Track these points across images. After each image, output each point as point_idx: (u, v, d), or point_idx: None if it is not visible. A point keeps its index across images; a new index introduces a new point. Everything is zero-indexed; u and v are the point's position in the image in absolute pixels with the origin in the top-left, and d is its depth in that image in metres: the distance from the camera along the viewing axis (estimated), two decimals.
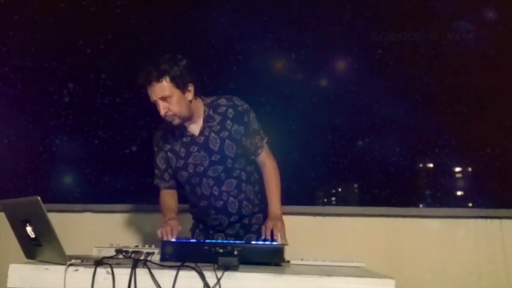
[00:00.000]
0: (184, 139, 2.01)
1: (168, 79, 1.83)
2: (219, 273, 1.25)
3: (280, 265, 1.51)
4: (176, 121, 1.91)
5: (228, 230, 2.03)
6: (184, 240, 1.76)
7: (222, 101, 2.02)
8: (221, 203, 1.99)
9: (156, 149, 2.10)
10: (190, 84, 1.89)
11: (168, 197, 2.11)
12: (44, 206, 1.32)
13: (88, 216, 3.15)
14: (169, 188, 2.11)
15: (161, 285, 1.27)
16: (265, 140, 2.07)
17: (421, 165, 60.65)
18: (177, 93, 1.85)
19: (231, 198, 1.99)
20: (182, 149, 2.01)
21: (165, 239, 1.76)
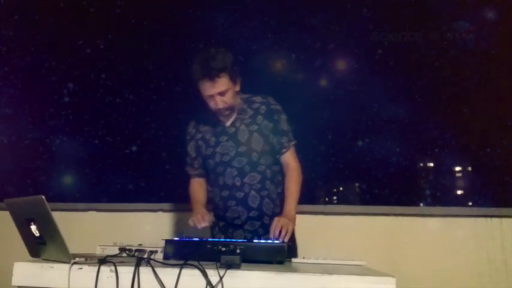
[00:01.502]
0: (216, 129, 2.08)
1: (226, 75, 1.92)
2: (222, 272, 1.26)
3: (282, 263, 1.52)
4: (228, 113, 2.01)
5: (247, 225, 2.02)
6: (187, 239, 1.77)
7: (257, 98, 2.10)
8: (242, 194, 2.01)
9: (188, 138, 2.16)
10: (239, 78, 1.99)
11: (197, 188, 2.14)
12: (49, 205, 1.33)
13: (92, 215, 3.18)
14: (198, 176, 2.16)
15: (164, 283, 1.28)
16: (292, 143, 2.10)
17: (421, 164, 60.56)
18: (232, 87, 1.96)
19: (253, 192, 2.01)
20: (212, 138, 2.08)
21: (198, 226, 1.83)
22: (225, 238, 2.04)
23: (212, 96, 1.94)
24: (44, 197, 1.33)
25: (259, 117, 2.06)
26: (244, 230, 2.03)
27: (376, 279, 1.24)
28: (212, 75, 1.89)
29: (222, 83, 1.92)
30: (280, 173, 2.11)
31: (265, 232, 2.02)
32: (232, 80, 1.95)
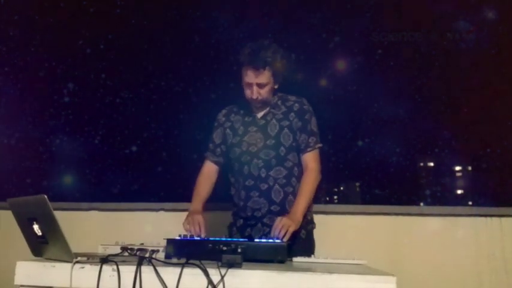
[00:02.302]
0: (246, 119, 2.11)
1: (271, 70, 1.96)
2: (223, 271, 1.27)
3: (283, 262, 1.52)
4: (260, 105, 2.04)
5: (266, 219, 2.00)
6: (188, 238, 1.77)
7: (292, 97, 2.13)
8: (266, 186, 2.01)
9: (216, 124, 2.19)
10: (281, 77, 2.02)
11: (205, 180, 2.14)
12: (51, 205, 1.33)
13: (94, 215, 3.19)
14: (216, 163, 2.17)
15: (166, 282, 1.28)
16: (318, 145, 2.09)
17: (421, 164, 60.61)
18: (271, 83, 1.99)
19: (277, 186, 2.01)
20: (241, 127, 2.10)
21: (195, 236, 1.81)
22: (242, 237, 2.03)
23: (251, 84, 1.97)
24: (46, 196, 1.33)
25: (292, 114, 2.07)
26: (263, 224, 2.01)
27: (377, 278, 1.24)
28: (258, 66, 1.92)
29: (265, 76, 1.95)
30: None
31: None
32: (274, 76, 1.99)
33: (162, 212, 3.11)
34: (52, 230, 1.38)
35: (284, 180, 2.02)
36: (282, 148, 2.03)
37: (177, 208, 3.04)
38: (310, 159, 2.06)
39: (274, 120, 2.06)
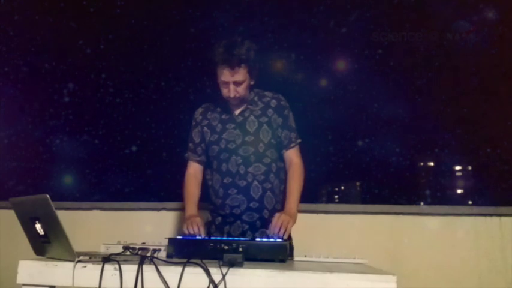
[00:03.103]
0: (224, 116, 2.10)
1: (247, 67, 1.94)
2: (224, 270, 1.27)
3: (284, 261, 1.53)
4: (237, 102, 2.03)
5: (245, 216, 2.01)
6: (190, 237, 1.78)
7: (268, 93, 2.13)
8: (244, 183, 2.01)
9: (194, 123, 2.18)
10: (257, 73, 2.02)
11: (192, 181, 2.13)
12: (53, 204, 1.34)
13: (96, 214, 3.19)
14: (199, 162, 2.16)
15: (167, 281, 1.29)
16: (299, 140, 2.11)
17: (421, 164, 60.58)
18: (248, 79, 1.98)
19: (256, 182, 2.01)
20: (219, 125, 2.09)
21: (196, 236, 1.82)
22: (221, 236, 2.03)
23: (227, 83, 1.96)
24: (48, 196, 1.34)
25: (270, 110, 2.08)
26: (242, 221, 2.01)
27: (377, 277, 1.25)
28: (233, 64, 1.91)
29: (241, 73, 1.94)
30: (284, 170, 2.11)
31: (262, 225, 2.01)
32: (250, 73, 1.98)
33: (163, 212, 3.12)
34: (54, 229, 1.38)
35: (263, 177, 2.02)
36: (261, 144, 2.04)
37: (179, 207, 3.05)
38: (294, 155, 2.08)
39: (252, 117, 2.06)
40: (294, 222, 1.89)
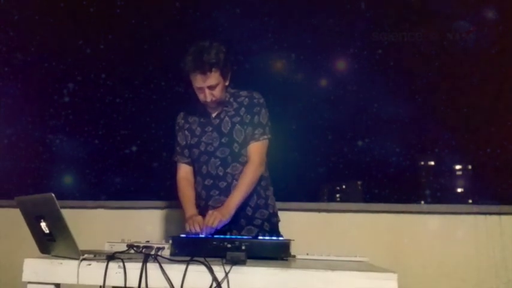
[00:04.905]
0: (202, 119, 2.13)
1: (218, 70, 1.95)
2: (227, 268, 1.28)
3: (287, 260, 1.54)
4: (215, 105, 2.05)
5: None
6: (193, 236, 1.80)
7: (243, 92, 2.13)
8: (225, 184, 2.04)
9: (177, 128, 2.21)
10: (230, 73, 2.03)
11: (185, 184, 2.15)
12: (58, 203, 1.34)
13: (100, 213, 3.21)
14: (188, 163, 2.18)
15: (171, 279, 1.29)
16: (265, 137, 2.08)
17: (422, 163, 60.57)
18: (222, 82, 2.00)
19: (235, 182, 2.03)
20: (198, 128, 2.12)
21: (200, 234, 1.83)
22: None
23: (202, 88, 1.98)
24: (53, 194, 1.34)
25: (243, 109, 2.09)
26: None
27: (378, 275, 1.25)
28: (204, 69, 1.92)
29: (213, 77, 1.95)
30: (265, 167, 2.12)
31: (247, 223, 2.05)
32: (223, 75, 1.99)
33: (167, 210, 3.13)
34: (59, 228, 1.39)
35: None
36: (236, 144, 2.06)
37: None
38: (253, 151, 2.06)
39: (226, 118, 2.08)
40: (227, 218, 1.89)
